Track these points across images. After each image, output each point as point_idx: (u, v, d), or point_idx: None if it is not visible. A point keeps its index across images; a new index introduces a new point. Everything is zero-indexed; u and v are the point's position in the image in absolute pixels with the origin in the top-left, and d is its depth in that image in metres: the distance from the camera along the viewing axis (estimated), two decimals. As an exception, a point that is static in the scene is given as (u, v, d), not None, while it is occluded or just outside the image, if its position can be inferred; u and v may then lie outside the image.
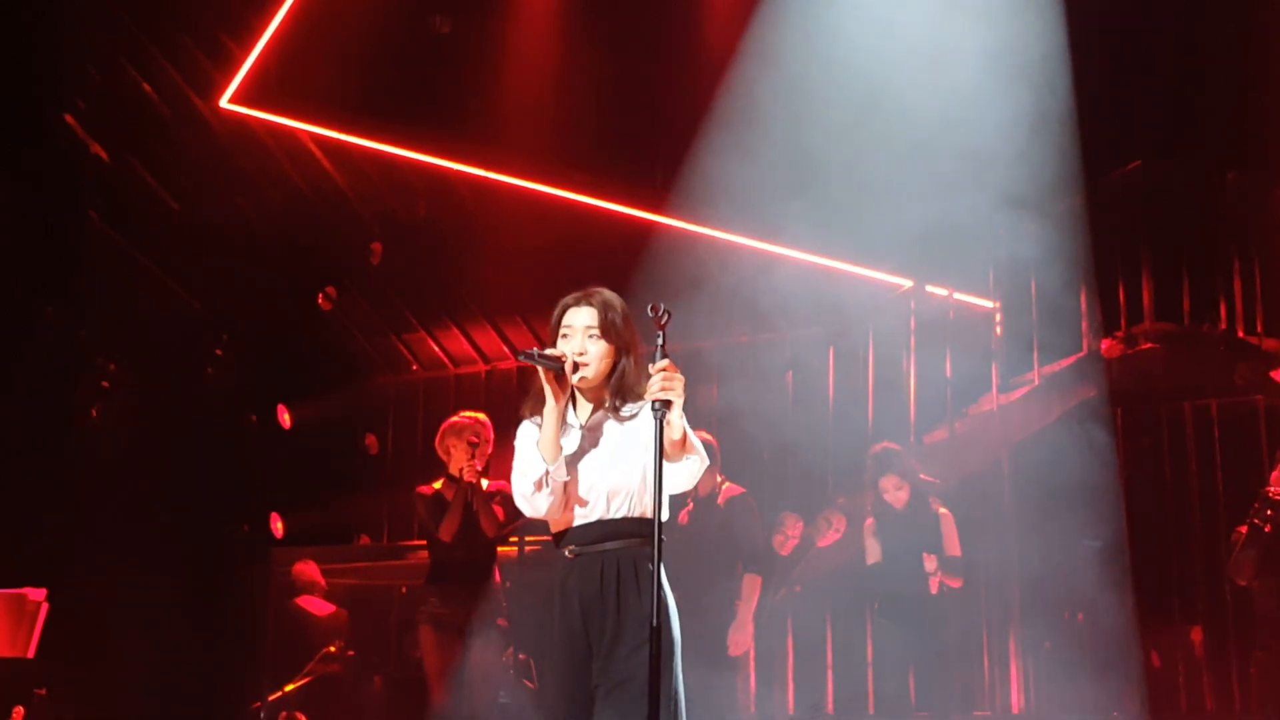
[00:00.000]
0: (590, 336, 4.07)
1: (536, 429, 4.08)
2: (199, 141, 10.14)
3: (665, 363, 3.86)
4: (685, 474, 4.00)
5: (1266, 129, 9.30)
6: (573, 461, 4.05)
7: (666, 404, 3.83)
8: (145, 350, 9.95)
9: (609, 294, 4.19)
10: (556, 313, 4.17)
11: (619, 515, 4.03)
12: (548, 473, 3.99)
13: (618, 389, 4.09)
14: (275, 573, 10.02)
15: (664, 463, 3.91)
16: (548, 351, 4.04)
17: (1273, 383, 8.98)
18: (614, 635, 3.93)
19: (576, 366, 4.05)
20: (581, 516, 4.06)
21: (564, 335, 4.10)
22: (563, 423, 4.04)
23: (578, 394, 4.15)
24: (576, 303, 4.14)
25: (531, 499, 4.04)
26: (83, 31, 9.43)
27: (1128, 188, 9.31)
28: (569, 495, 4.04)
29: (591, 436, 4.08)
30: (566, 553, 4.05)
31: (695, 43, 10.12)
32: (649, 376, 3.89)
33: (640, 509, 4.03)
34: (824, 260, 10.01)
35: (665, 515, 4.01)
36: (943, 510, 7.48)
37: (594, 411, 4.13)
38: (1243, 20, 9.52)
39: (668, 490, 3.98)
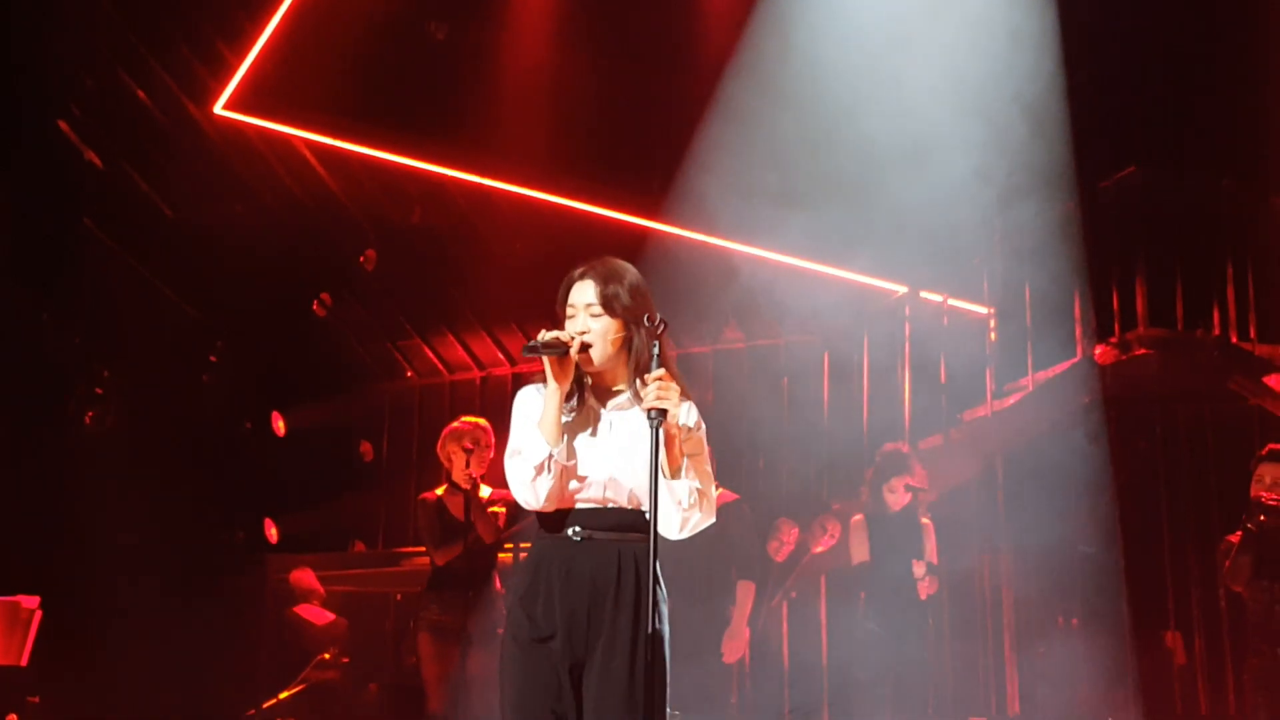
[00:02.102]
0: (593, 315, 3.84)
1: (538, 395, 3.86)
2: (194, 148, 10.15)
3: (660, 372, 3.73)
4: (676, 505, 3.80)
5: (1261, 136, 9.33)
6: (586, 444, 3.84)
7: (662, 413, 3.70)
8: (140, 357, 9.95)
9: (615, 263, 3.92)
10: (562, 288, 3.91)
11: (631, 505, 3.86)
12: (551, 456, 3.75)
13: (636, 367, 3.85)
14: (270, 579, 10.02)
15: (662, 477, 3.76)
16: (548, 336, 3.76)
17: (1266, 389, 9.00)
18: (631, 630, 3.77)
19: (585, 346, 3.80)
20: (591, 500, 3.85)
21: (569, 315, 3.86)
22: (566, 404, 3.83)
23: (590, 376, 3.90)
24: (580, 276, 3.88)
25: (533, 485, 3.77)
26: (77, 38, 9.42)
27: (1122, 194, 9.32)
28: (567, 481, 3.82)
29: (608, 419, 3.88)
30: (570, 533, 3.83)
31: (690, 50, 10.13)
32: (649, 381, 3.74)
33: (643, 501, 3.84)
34: (819, 266, 10.03)
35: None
36: (925, 520, 7.51)
37: (612, 393, 3.91)
38: (1239, 28, 9.55)
39: (660, 527, 3.78)
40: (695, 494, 3.85)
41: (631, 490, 3.86)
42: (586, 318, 3.84)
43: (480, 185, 10.44)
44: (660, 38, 10.27)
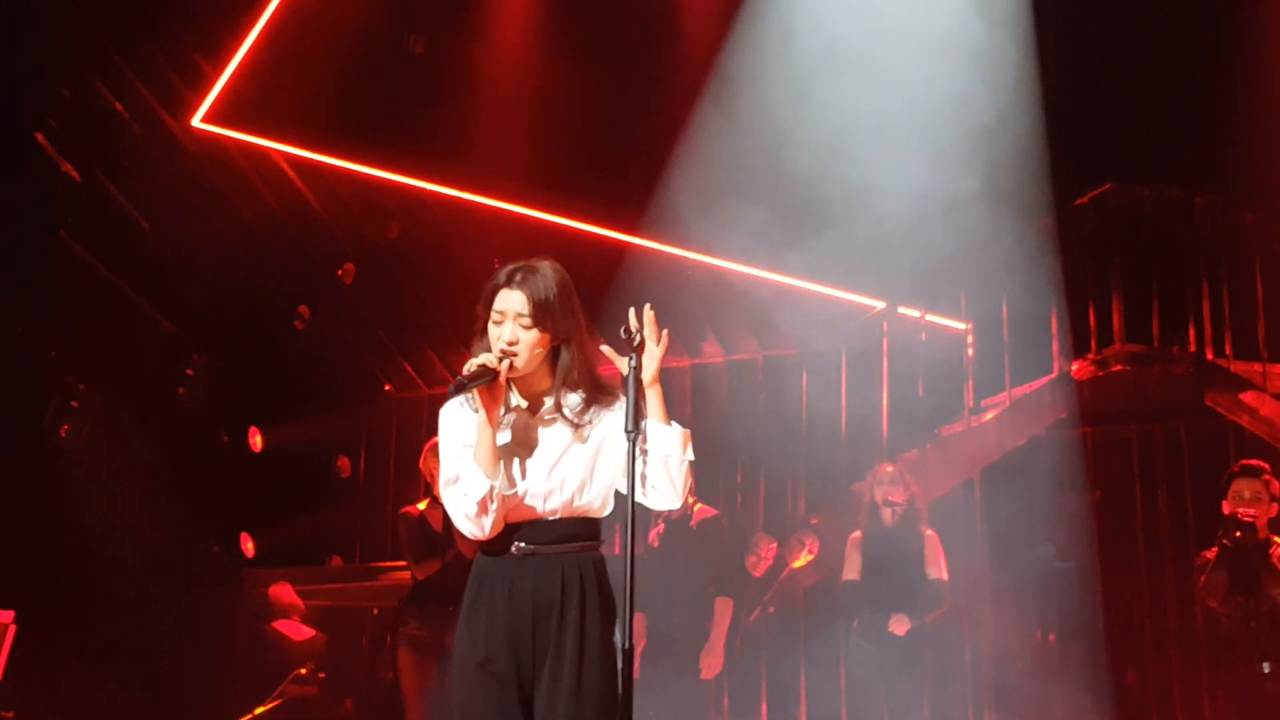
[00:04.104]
0: (523, 326, 3.75)
1: (461, 411, 3.81)
2: (171, 161, 10.10)
3: (660, 346, 3.76)
4: (667, 460, 3.78)
5: (1236, 152, 9.38)
6: (521, 459, 3.78)
7: (637, 427, 3.69)
8: (116, 370, 9.88)
9: (546, 271, 3.81)
10: (488, 290, 3.81)
11: (568, 514, 3.79)
12: (493, 489, 3.69)
13: (563, 379, 3.81)
14: (246, 593, 9.97)
15: (658, 431, 3.76)
16: (474, 367, 3.70)
17: (1242, 405, 9.04)
18: (576, 647, 3.70)
19: (508, 357, 3.74)
20: (531, 514, 3.78)
21: (495, 320, 3.78)
22: (499, 424, 3.77)
23: (513, 383, 3.83)
24: (508, 283, 3.79)
25: (477, 520, 3.72)
26: (54, 49, 9.38)
27: (1098, 210, 9.38)
28: (509, 507, 3.77)
29: (536, 428, 3.81)
30: (513, 549, 3.77)
31: (670, 64, 10.14)
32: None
33: (584, 510, 3.81)
34: (797, 281, 10.04)
35: (609, 509, 3.85)
36: (930, 532, 7.52)
37: (536, 401, 3.84)
38: (1214, 45, 9.61)
39: (662, 501, 3.82)
40: (685, 436, 3.81)
41: (571, 499, 3.80)
42: (516, 328, 3.76)
43: (459, 199, 10.42)
44: (639, 53, 10.28)
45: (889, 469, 7.69)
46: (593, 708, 3.67)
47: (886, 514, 7.54)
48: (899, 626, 7.24)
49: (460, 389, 3.68)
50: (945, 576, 7.42)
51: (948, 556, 7.59)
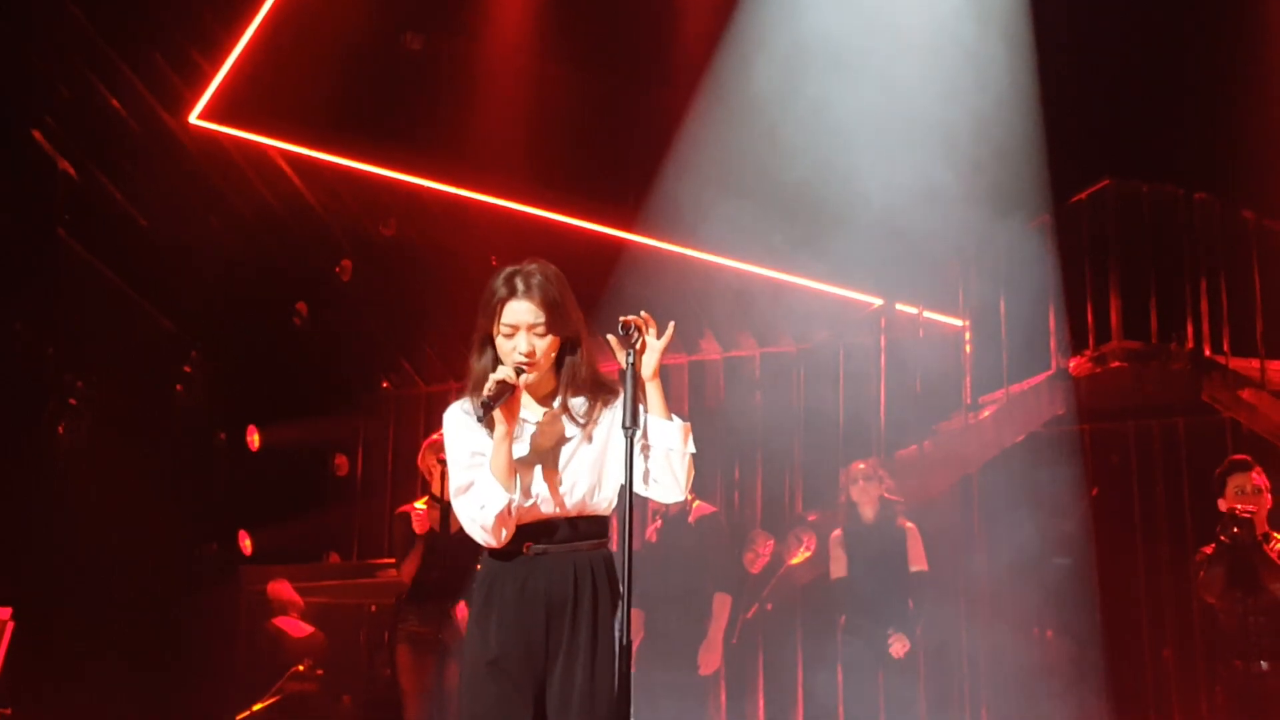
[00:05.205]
0: (537, 335, 3.76)
1: (467, 417, 3.80)
2: (169, 158, 10.09)
3: (660, 342, 3.81)
4: (669, 452, 3.80)
5: (1233, 149, 9.38)
6: (531, 464, 3.80)
7: (635, 423, 3.70)
8: (114, 368, 9.88)
9: (547, 274, 3.80)
10: (492, 302, 3.78)
11: (579, 514, 3.82)
12: (511, 502, 3.71)
13: (569, 381, 3.83)
14: (244, 590, 9.97)
15: (659, 428, 3.78)
16: (493, 386, 3.67)
17: (1240, 401, 9.05)
18: (589, 644, 3.72)
19: (521, 369, 3.74)
20: (541, 515, 3.80)
21: (506, 334, 3.76)
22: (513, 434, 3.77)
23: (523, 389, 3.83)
24: (512, 293, 3.76)
25: (494, 532, 3.74)
26: (52, 47, 9.38)
27: (1096, 207, 9.38)
28: (523, 512, 3.79)
29: (545, 431, 3.83)
30: (524, 550, 3.79)
31: (666, 62, 10.15)
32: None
33: (594, 509, 3.84)
34: (795, 278, 10.04)
35: (615, 505, 3.87)
36: (909, 525, 7.55)
37: (542, 403, 3.86)
38: (1212, 42, 9.62)
39: (665, 494, 3.85)
40: (686, 429, 3.83)
41: (583, 499, 3.83)
42: (531, 337, 3.76)
43: (456, 196, 10.41)
44: (636, 50, 10.28)
45: (861, 465, 7.73)
46: (606, 704, 3.69)
47: (866, 511, 7.57)
48: (899, 647, 7.25)
49: (488, 409, 3.67)
50: (926, 567, 7.48)
51: (946, 553, 7.62)
